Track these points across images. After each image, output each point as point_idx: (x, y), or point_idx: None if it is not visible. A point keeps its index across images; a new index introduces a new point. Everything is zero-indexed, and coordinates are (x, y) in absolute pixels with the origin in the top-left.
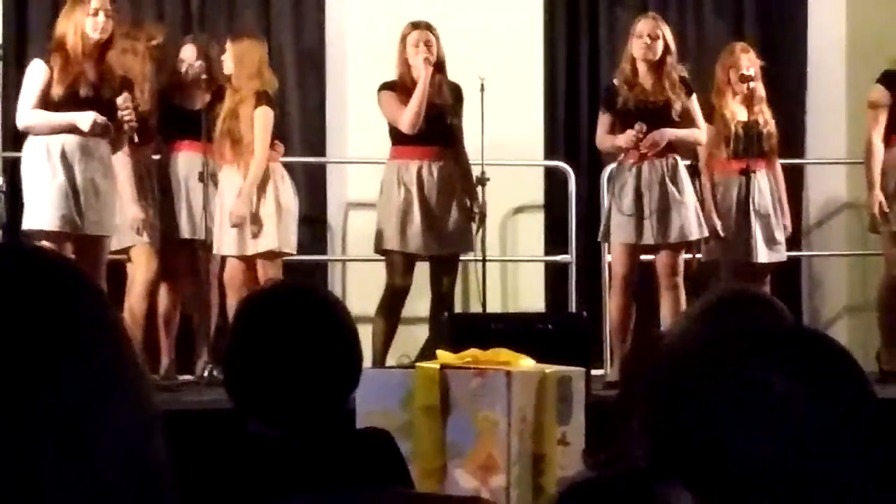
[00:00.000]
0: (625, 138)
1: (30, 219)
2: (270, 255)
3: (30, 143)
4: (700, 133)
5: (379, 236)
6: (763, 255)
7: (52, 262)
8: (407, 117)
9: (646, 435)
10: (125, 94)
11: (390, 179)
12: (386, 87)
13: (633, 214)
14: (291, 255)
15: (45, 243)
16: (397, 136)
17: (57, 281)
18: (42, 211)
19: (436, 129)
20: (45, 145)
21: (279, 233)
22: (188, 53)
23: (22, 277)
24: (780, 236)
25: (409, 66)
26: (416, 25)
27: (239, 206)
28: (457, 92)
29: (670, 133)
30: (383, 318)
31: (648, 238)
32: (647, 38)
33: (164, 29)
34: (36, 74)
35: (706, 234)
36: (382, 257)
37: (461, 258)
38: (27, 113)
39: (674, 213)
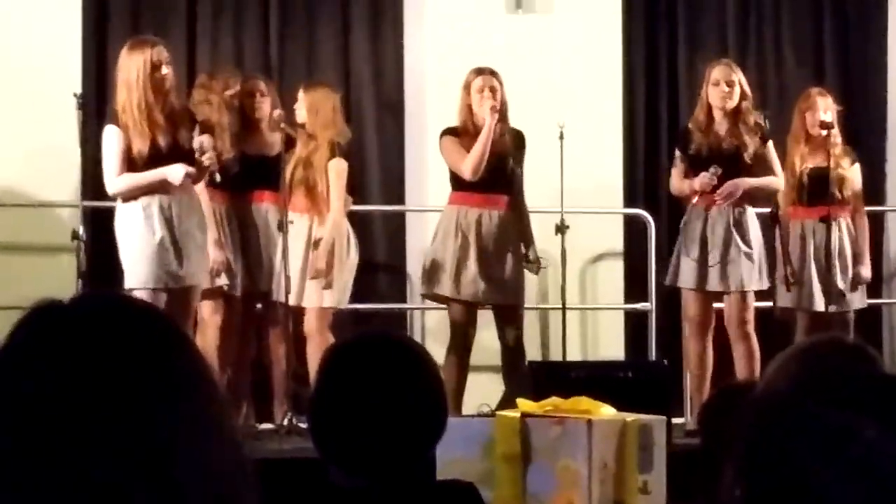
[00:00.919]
0: (699, 181)
1: (132, 277)
2: (322, 309)
3: (124, 205)
4: (777, 181)
5: (429, 280)
6: (832, 304)
7: (145, 311)
8: (469, 164)
9: (737, 484)
10: (202, 137)
11: (448, 225)
12: (448, 132)
13: (698, 260)
14: (343, 306)
15: (140, 293)
16: (458, 182)
17: (150, 329)
18: (145, 269)
19: (497, 176)
20: (140, 205)
21: (337, 290)
22: (256, 90)
23: (118, 325)
24: (844, 286)
25: (472, 112)
26: (479, 72)
27: (318, 261)
28: (520, 139)
29: (746, 183)
30: (452, 362)
31: (713, 285)
32: (725, 85)
33: (240, 76)
34: (112, 140)
35: (765, 285)
36: (433, 302)
37: (542, 306)
38: (115, 180)
39: (735, 261)
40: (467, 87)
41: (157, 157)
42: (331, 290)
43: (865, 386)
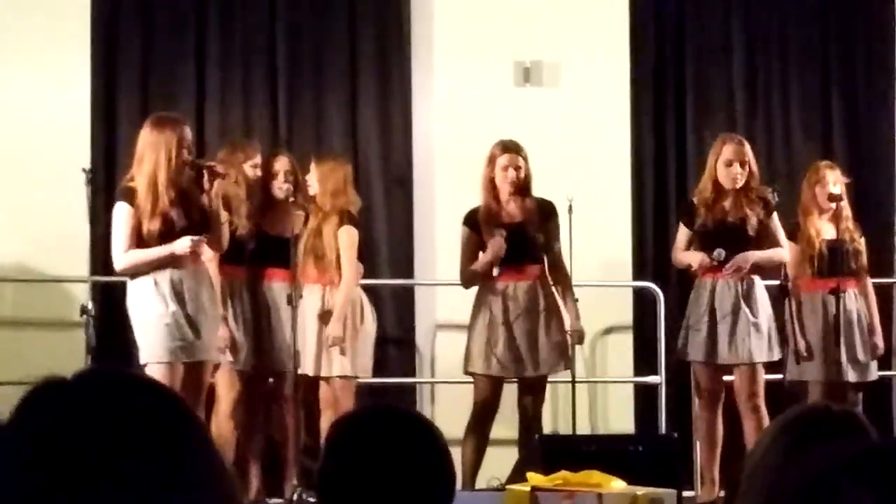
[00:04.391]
0: (696, 259)
1: (145, 352)
2: (344, 379)
3: (134, 281)
4: (783, 252)
5: (466, 358)
6: (850, 374)
7: (149, 388)
8: (463, 278)
9: None
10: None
11: (478, 300)
12: (468, 222)
13: (707, 332)
14: (366, 379)
15: (155, 368)
16: None
17: (155, 408)
18: (158, 343)
19: (519, 247)
20: (151, 280)
21: (354, 358)
22: (279, 169)
23: (119, 403)
24: (865, 357)
25: (496, 187)
26: (506, 148)
27: (335, 329)
28: (548, 209)
29: (754, 256)
30: (472, 439)
31: (722, 357)
32: (738, 166)
33: (259, 148)
34: (123, 217)
35: (776, 357)
36: (470, 378)
37: (550, 379)
38: (122, 256)
39: (744, 334)
40: (492, 162)
41: (167, 234)
42: (350, 359)
43: (865, 458)
